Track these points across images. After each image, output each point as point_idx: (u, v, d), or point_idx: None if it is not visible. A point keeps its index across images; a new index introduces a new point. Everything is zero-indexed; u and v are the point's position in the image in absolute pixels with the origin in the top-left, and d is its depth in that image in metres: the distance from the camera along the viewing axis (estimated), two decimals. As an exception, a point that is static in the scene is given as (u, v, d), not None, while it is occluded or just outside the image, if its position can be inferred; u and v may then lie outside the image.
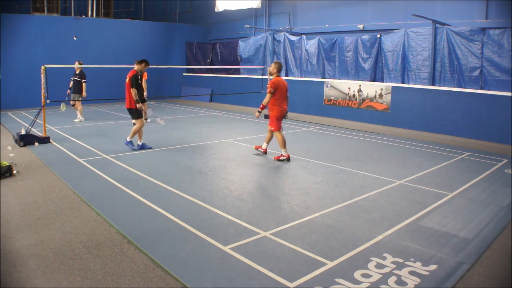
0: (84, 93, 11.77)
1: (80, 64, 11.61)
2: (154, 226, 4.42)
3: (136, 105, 7.92)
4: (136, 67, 8.04)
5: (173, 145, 8.87)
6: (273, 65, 7.46)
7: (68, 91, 11.97)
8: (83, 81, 11.71)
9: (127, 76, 7.93)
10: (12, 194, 5.43)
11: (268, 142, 7.84)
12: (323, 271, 3.49)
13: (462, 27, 10.92)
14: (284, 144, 7.42)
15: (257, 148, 8.05)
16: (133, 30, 18.81)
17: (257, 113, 7.62)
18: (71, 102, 12.00)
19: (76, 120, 12.12)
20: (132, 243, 3.99)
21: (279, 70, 7.42)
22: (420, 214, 4.92)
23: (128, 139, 8.20)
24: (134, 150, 8.16)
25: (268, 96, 7.34)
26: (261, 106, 7.45)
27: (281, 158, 7.47)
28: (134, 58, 17.11)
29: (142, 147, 8.31)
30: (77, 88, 11.76)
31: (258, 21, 18.08)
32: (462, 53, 10.95)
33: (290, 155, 7.63)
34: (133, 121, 8.62)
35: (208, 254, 3.77)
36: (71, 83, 11.87)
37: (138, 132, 8.23)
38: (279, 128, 7.48)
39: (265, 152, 7.89)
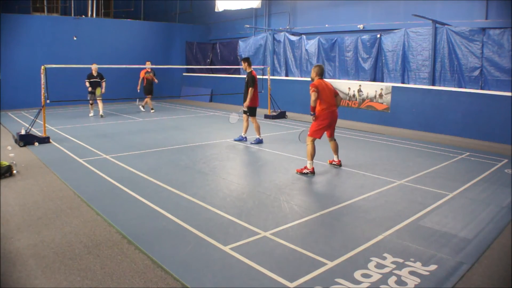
0: (103, 90, 13.01)
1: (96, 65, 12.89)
2: (154, 226, 4.42)
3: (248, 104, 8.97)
4: (250, 68, 9.05)
5: (173, 145, 8.87)
6: (312, 69, 6.82)
7: (90, 88, 12.77)
8: (103, 80, 12.97)
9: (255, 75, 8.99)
10: (12, 194, 5.43)
11: (335, 153, 7.09)
12: (323, 271, 3.49)
13: (462, 27, 10.91)
14: (311, 156, 6.56)
15: (330, 163, 7.25)
16: (133, 30, 18.81)
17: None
18: (90, 101, 13.13)
19: (101, 114, 13.21)
20: (132, 243, 4.00)
21: (318, 74, 6.68)
22: (420, 214, 4.91)
23: (258, 137, 9.15)
24: (259, 142, 9.11)
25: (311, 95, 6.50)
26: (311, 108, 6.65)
27: (305, 171, 6.58)
28: (134, 58, 17.50)
29: (240, 139, 9.33)
30: (97, 88, 12.89)
31: (258, 21, 18.07)
32: (462, 53, 10.94)
33: (290, 155, 7.61)
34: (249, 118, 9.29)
35: (208, 254, 3.77)
36: (87, 83, 12.72)
37: (245, 126, 9.29)
38: (313, 135, 6.62)
39: (339, 164, 7.12)
